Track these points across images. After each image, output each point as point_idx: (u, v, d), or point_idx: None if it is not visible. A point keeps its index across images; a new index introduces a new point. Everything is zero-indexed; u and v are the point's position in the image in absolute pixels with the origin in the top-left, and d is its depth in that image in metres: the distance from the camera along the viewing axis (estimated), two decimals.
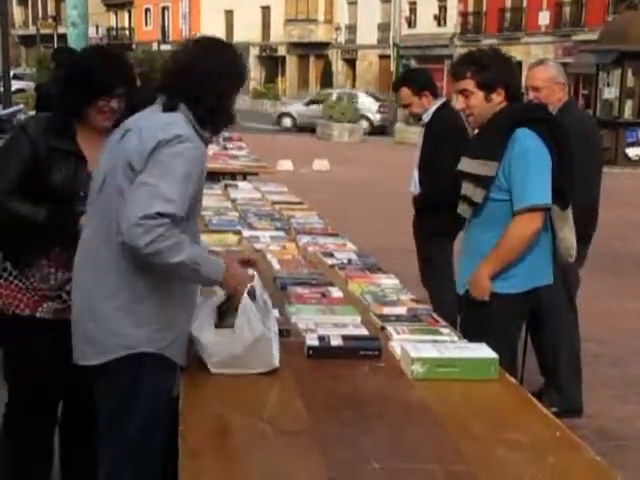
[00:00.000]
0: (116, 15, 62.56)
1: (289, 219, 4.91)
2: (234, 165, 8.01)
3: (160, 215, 2.29)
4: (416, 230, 5.34)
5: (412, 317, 3.09)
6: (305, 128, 29.12)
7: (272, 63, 51.97)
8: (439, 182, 4.94)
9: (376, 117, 29.75)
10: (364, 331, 2.93)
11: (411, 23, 42.62)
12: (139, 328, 2.43)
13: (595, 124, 5.10)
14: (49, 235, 2.89)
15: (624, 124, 20.52)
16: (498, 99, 3.39)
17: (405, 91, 5.15)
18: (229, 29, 52.89)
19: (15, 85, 16.04)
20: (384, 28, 44.10)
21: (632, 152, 20.23)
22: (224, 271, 2.50)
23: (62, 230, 2.86)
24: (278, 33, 50.34)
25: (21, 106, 16.99)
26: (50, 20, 53.18)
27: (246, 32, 50.46)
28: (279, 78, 51.38)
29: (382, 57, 44.31)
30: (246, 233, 4.44)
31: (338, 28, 46.58)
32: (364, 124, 28.57)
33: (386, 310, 3.15)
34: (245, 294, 2.48)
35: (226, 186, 6.09)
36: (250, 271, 2.72)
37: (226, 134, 10.30)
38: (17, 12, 65.05)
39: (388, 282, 3.60)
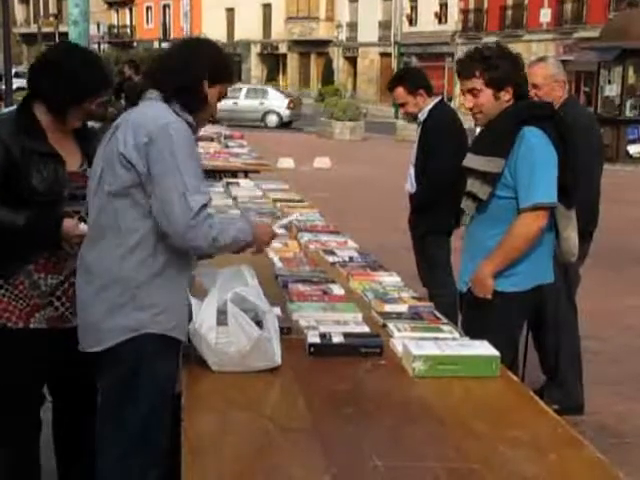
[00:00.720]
0: (117, 13, 62.61)
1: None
2: (235, 163, 8.02)
3: (201, 208, 2.40)
4: (413, 228, 5.36)
5: (413, 315, 3.09)
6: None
7: (273, 61, 51.97)
8: (435, 180, 4.96)
9: (285, 112, 31.27)
10: (365, 328, 2.93)
11: (412, 21, 42.66)
12: (142, 311, 2.48)
13: (595, 121, 5.09)
14: (32, 240, 2.79)
15: (625, 121, 20.46)
16: (506, 97, 3.36)
17: (400, 91, 5.18)
18: (230, 27, 52.93)
19: (16, 83, 15.97)
20: (385, 26, 44.12)
21: (633, 149, 20.20)
22: (253, 231, 2.62)
23: (45, 234, 2.79)
24: (279, 31, 50.34)
25: None
26: (51, 18, 53.18)
27: (247, 30, 50.51)
28: (280, 76, 51.38)
29: (383, 55, 44.34)
30: None
31: (339, 26, 46.56)
32: (274, 119, 30.92)
33: (387, 308, 3.15)
34: (229, 302, 2.48)
35: (227, 184, 6.08)
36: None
37: (227, 132, 10.29)
38: (19, 10, 65.11)
39: (389, 280, 3.59)
